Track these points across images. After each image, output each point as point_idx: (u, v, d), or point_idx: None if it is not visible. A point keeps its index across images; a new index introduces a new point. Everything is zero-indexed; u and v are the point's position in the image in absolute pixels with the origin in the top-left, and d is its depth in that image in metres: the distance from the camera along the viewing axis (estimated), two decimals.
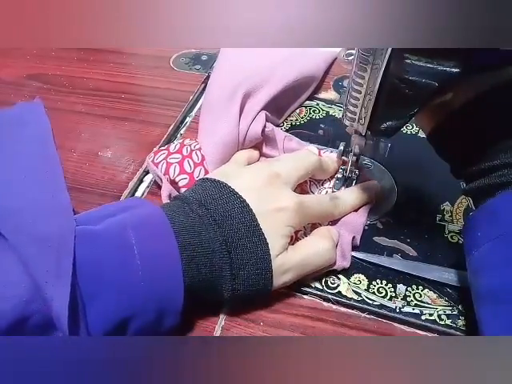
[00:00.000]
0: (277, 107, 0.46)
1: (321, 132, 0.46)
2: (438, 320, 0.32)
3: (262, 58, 0.47)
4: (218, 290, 0.31)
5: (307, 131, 0.46)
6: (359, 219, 0.37)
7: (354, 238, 0.36)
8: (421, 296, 0.33)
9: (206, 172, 0.40)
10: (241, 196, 0.32)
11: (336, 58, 0.54)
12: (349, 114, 0.34)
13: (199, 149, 0.41)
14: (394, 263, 0.35)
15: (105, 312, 0.27)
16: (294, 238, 0.36)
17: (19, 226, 0.27)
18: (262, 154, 0.43)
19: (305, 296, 0.34)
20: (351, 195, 0.38)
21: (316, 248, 0.33)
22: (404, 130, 0.45)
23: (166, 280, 0.28)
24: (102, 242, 0.28)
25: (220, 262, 0.30)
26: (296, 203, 0.33)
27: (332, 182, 0.40)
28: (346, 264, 0.35)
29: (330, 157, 0.41)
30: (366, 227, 0.38)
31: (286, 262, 0.32)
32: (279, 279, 0.32)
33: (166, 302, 0.29)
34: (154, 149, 0.44)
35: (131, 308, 0.27)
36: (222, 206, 0.31)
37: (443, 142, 0.32)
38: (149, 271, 0.28)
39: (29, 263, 0.25)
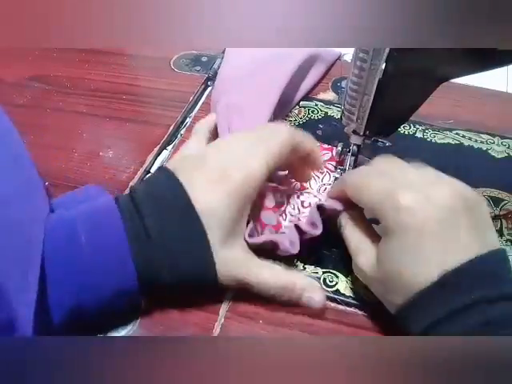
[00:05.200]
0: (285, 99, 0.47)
1: (319, 132, 0.46)
2: None
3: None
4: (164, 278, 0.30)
5: (306, 131, 0.46)
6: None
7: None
8: None
9: None
10: (185, 192, 0.30)
11: (338, 59, 0.55)
12: (347, 114, 0.35)
13: None
14: None
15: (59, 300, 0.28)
16: None
17: None
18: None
19: None
20: None
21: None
22: (401, 129, 0.46)
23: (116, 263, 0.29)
24: (51, 237, 0.28)
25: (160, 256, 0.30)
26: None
27: (331, 176, 0.40)
28: (294, 251, 0.33)
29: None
30: None
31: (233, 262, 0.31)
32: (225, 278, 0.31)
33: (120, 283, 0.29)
34: (155, 149, 0.45)
35: (85, 294, 0.28)
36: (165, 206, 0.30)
37: None
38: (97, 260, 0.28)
39: None
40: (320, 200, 0.38)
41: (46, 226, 0.28)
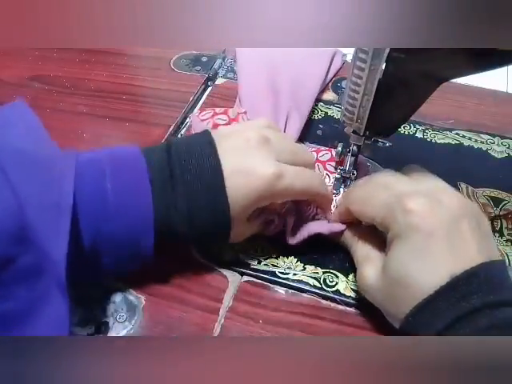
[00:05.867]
0: None
1: (319, 132, 0.46)
2: None
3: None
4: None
5: (306, 131, 0.46)
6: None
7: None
8: None
9: None
10: (217, 156, 0.31)
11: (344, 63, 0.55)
12: (347, 114, 0.35)
13: (245, 113, 0.42)
14: None
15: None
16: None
17: (15, 155, 0.26)
18: None
19: (303, 294, 0.34)
20: None
21: None
22: (401, 129, 0.46)
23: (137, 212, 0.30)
24: (79, 176, 0.29)
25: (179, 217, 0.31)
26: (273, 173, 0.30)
27: (331, 179, 0.41)
28: (292, 241, 0.35)
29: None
30: None
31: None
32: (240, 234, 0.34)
33: (138, 233, 0.30)
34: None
35: (103, 235, 0.29)
36: (196, 165, 0.31)
37: None
38: (121, 205, 0.30)
39: (21, 197, 0.24)
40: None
41: (77, 169, 0.29)
